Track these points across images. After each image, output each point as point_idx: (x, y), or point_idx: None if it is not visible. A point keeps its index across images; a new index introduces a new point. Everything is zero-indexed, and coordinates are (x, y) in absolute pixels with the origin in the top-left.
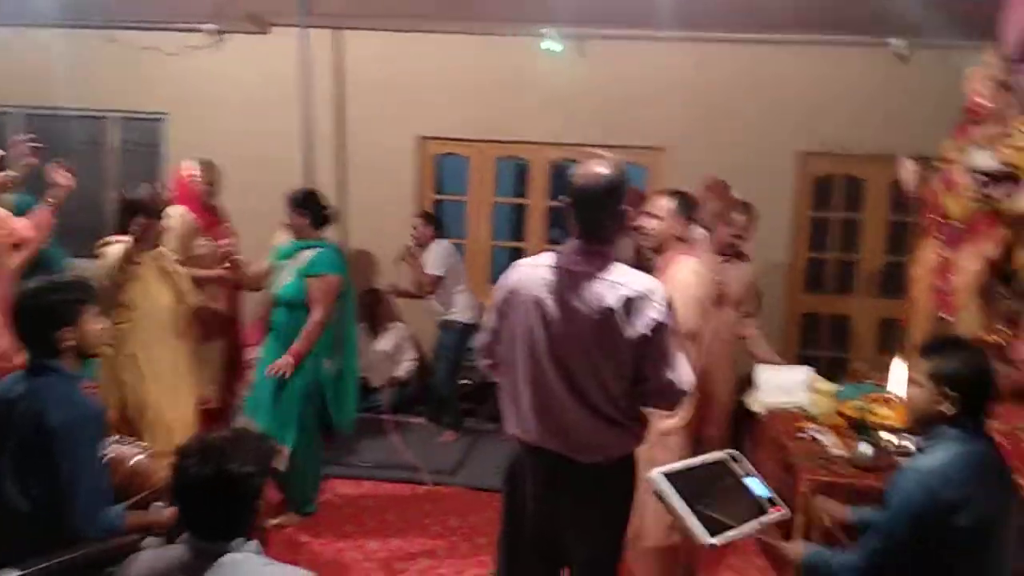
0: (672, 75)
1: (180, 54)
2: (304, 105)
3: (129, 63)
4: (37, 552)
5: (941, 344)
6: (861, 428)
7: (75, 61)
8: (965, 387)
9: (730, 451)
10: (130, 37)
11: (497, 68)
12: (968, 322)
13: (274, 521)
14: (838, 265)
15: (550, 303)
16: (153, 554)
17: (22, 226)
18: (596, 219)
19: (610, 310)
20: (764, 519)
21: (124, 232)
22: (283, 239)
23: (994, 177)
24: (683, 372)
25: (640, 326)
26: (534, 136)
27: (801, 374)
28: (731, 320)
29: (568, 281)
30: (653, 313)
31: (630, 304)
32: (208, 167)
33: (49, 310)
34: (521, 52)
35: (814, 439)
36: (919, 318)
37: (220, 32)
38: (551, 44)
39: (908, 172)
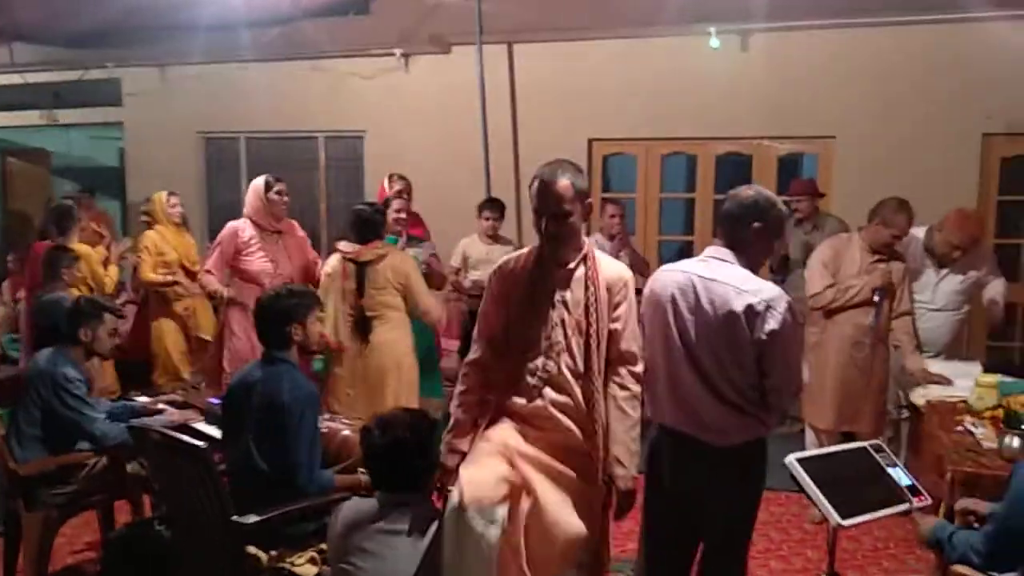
0: (840, 62)
1: (375, 77)
2: (483, 115)
3: (332, 88)
4: (272, 503)
5: None
6: (1014, 421)
7: (286, 89)
8: None
9: (873, 442)
10: (332, 65)
11: (660, 68)
12: None
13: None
14: None
15: (682, 304)
16: (354, 503)
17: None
18: (737, 233)
19: (735, 314)
20: (902, 507)
21: (368, 241)
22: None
23: None
24: (796, 375)
25: (760, 332)
26: (700, 132)
27: (967, 367)
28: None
29: (700, 285)
30: (773, 322)
31: (752, 311)
32: (404, 179)
33: (283, 310)
34: (682, 51)
35: (969, 431)
36: None
37: (408, 55)
38: (711, 41)
39: None
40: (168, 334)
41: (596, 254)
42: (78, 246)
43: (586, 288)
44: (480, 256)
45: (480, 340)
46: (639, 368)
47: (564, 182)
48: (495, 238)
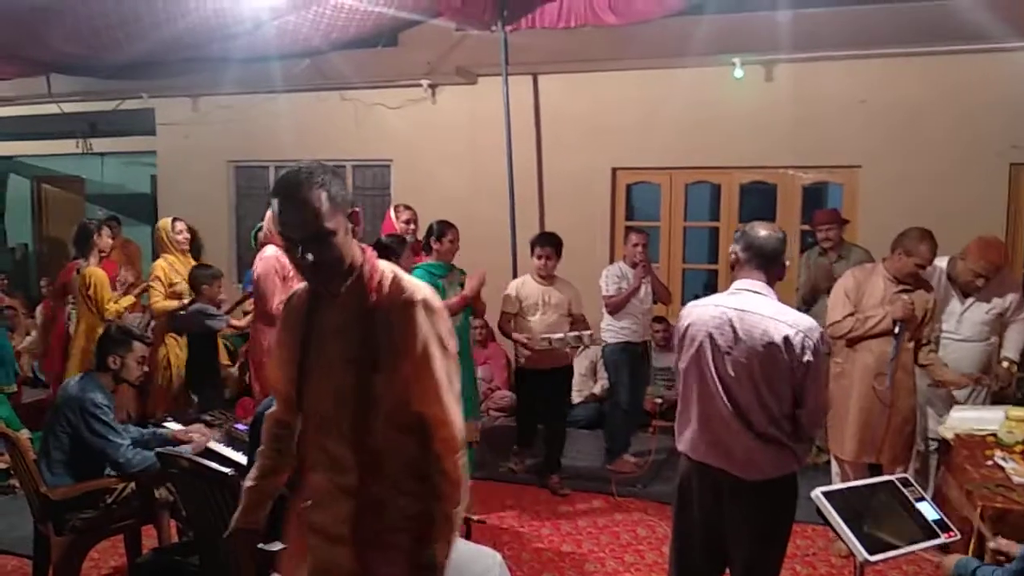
0: (865, 92)
1: (401, 107)
2: (508, 145)
3: (360, 118)
4: None
5: None
6: None
7: (314, 119)
8: None
9: (900, 475)
10: (360, 95)
11: (684, 98)
12: None
13: (475, 517)
14: None
15: (720, 340)
16: None
17: None
18: (773, 267)
19: (775, 345)
20: (930, 542)
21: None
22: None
23: None
24: (824, 399)
25: (798, 362)
26: (724, 161)
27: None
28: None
29: (736, 318)
30: (809, 353)
31: (790, 342)
32: (410, 209)
33: None
34: (706, 81)
35: (999, 465)
36: None
37: (434, 85)
38: (735, 71)
39: None
40: (173, 362)
41: (384, 268)
42: (91, 269)
43: (363, 317)
44: (535, 299)
45: (275, 395)
46: (451, 432)
47: (316, 193)
48: (550, 278)
